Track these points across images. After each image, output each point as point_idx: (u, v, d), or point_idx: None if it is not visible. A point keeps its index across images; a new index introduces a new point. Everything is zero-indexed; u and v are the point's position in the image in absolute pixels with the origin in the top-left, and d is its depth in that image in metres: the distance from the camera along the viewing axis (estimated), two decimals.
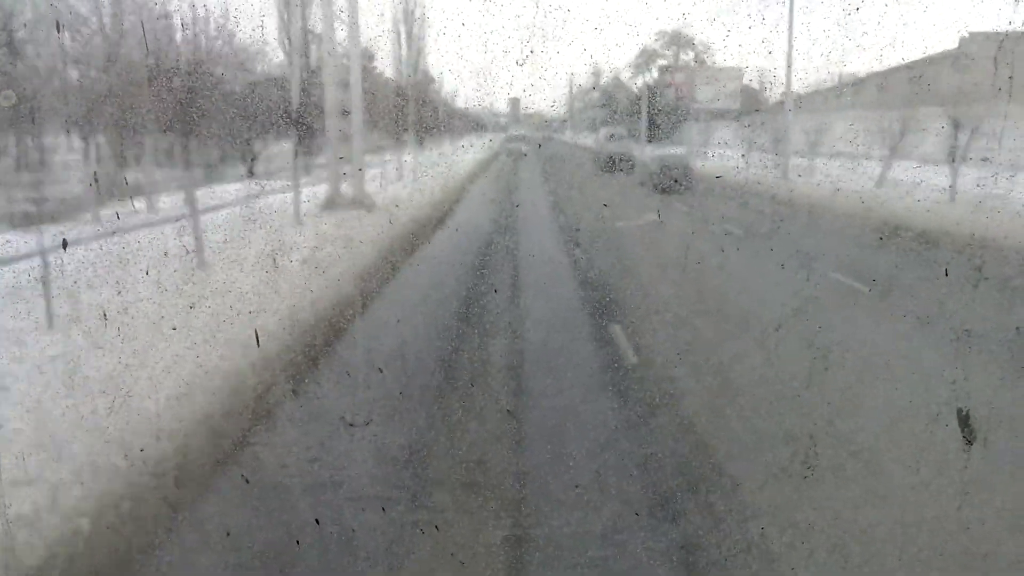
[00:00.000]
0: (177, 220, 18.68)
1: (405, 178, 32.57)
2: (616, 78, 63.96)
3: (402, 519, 5.99)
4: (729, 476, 7.33)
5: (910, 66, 38.27)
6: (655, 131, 51.31)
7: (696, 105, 52.59)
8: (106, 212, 18.67)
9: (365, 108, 27.11)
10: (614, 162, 41.45)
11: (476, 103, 61.32)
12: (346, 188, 25.56)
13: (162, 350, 12.40)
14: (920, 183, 25.27)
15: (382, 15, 44.66)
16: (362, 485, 6.35)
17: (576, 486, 6.65)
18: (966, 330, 9.96)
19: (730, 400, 9.01)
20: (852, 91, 43.43)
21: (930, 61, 35.27)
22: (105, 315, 9.73)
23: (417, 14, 38.55)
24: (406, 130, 35.57)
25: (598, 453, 7.60)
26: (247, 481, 6.29)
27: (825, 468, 7.18)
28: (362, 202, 25.52)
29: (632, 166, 39.01)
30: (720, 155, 39.92)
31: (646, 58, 62.19)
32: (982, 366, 9.28)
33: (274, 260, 15.73)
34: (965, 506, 6.22)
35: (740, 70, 52.50)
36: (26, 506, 5.89)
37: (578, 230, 23.60)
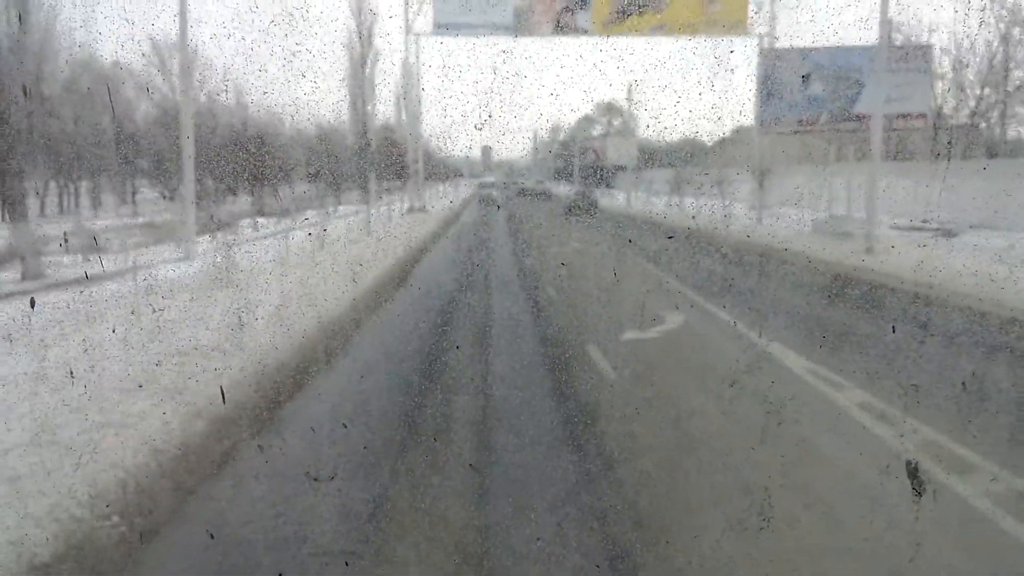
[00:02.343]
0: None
1: (428, 201, 45.28)
2: (569, 135, 70.48)
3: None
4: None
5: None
6: (582, 178, 64.16)
7: (606, 162, 65.20)
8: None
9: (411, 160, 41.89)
10: (548, 196, 61.57)
11: (455, 152, 63.46)
12: (412, 203, 42.30)
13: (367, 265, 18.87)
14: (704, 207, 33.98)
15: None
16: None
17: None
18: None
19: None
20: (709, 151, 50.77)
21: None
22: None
23: (415, 92, 41.80)
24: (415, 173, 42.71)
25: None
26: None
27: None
28: (423, 209, 41.60)
29: (560, 199, 55.93)
30: (613, 194, 57.21)
31: (587, 122, 68.74)
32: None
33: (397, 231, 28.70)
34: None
35: (635, 139, 61.29)
36: None
37: (520, 223, 42.41)
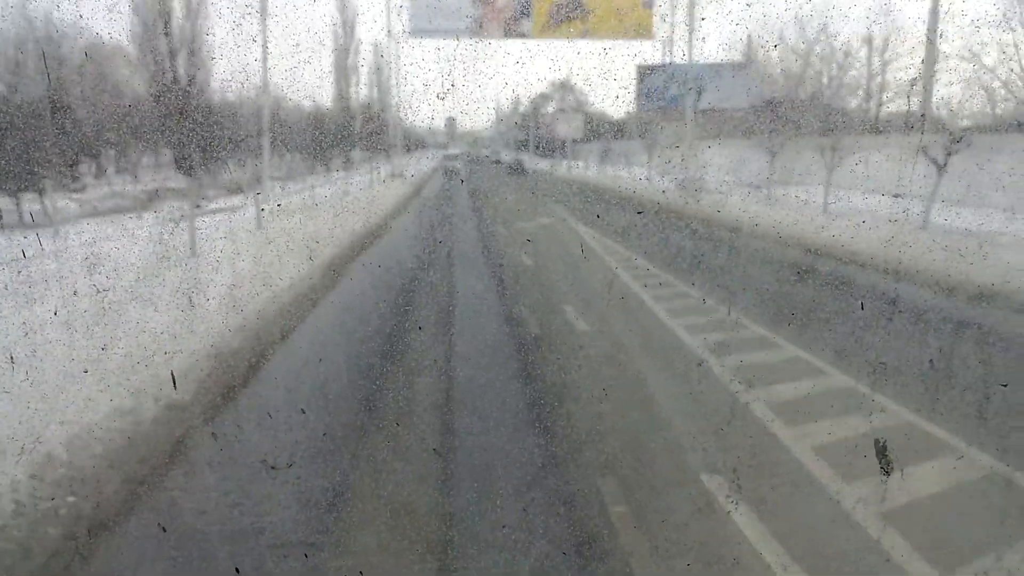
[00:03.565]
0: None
1: (405, 168, 40.64)
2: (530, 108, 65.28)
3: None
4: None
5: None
6: (537, 149, 58.98)
7: (556, 135, 56.49)
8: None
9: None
10: (499, 162, 58.16)
11: (419, 123, 58.62)
12: (393, 170, 37.51)
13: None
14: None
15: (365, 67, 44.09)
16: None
17: None
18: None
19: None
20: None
21: None
22: None
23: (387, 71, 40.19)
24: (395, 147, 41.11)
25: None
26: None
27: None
28: (401, 175, 37.02)
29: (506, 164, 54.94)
30: (557, 161, 51.92)
31: (542, 99, 63.96)
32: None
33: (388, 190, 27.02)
34: None
35: (583, 115, 54.08)
36: None
37: (474, 180, 42.20)
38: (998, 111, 22.82)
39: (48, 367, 4.91)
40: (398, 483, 4.07)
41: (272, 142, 23.39)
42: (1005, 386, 5.93)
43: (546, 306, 8.94)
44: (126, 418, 4.52)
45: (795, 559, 3.54)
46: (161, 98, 24.20)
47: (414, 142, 61.04)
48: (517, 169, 50.71)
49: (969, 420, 5.31)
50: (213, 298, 7.81)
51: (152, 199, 23.30)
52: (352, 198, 22.76)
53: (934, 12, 17.95)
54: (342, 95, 42.84)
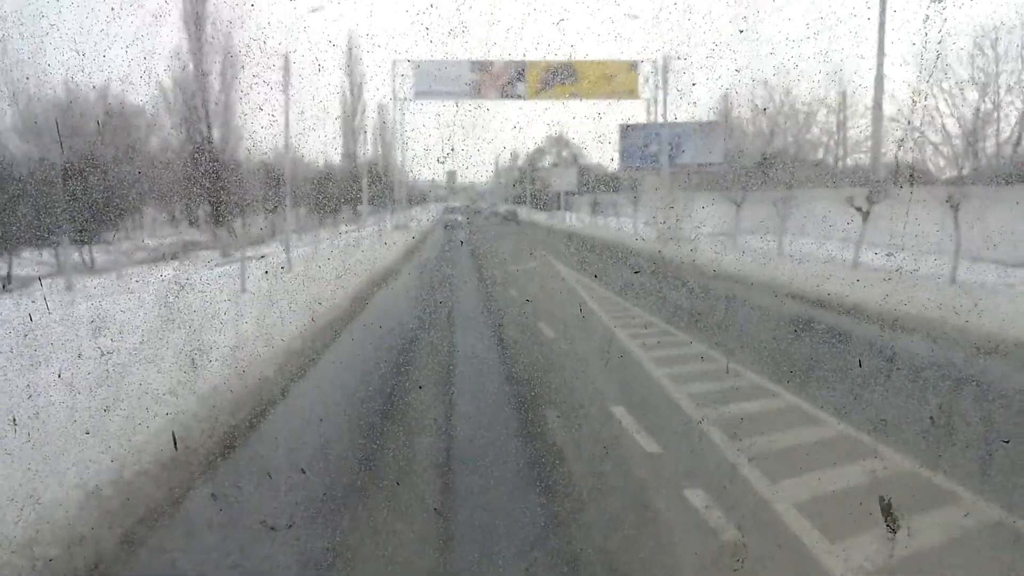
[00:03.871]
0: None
1: (409, 220, 42.44)
2: (527, 162, 64.26)
3: None
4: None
5: None
6: (533, 201, 59.98)
7: (551, 187, 55.40)
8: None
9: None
10: (496, 214, 58.51)
11: (422, 176, 58.33)
12: (397, 223, 38.05)
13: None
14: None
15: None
16: None
17: None
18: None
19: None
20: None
21: None
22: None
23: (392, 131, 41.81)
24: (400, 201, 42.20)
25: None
26: None
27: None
28: (406, 227, 37.71)
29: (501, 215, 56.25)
30: (551, 213, 52.47)
31: (539, 153, 63.44)
32: None
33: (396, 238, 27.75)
34: None
35: (576, 168, 53.99)
36: None
37: (473, 228, 43.16)
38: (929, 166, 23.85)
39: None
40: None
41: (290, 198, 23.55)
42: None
43: (523, 323, 11.10)
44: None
45: None
46: (197, 160, 24.36)
47: (417, 195, 61.21)
48: (511, 219, 53.59)
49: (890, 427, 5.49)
50: (267, 322, 8.76)
51: (182, 250, 23.35)
52: (366, 246, 23.33)
53: (879, 79, 18.53)
54: (349, 154, 43.06)
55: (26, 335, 6.75)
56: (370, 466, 4.76)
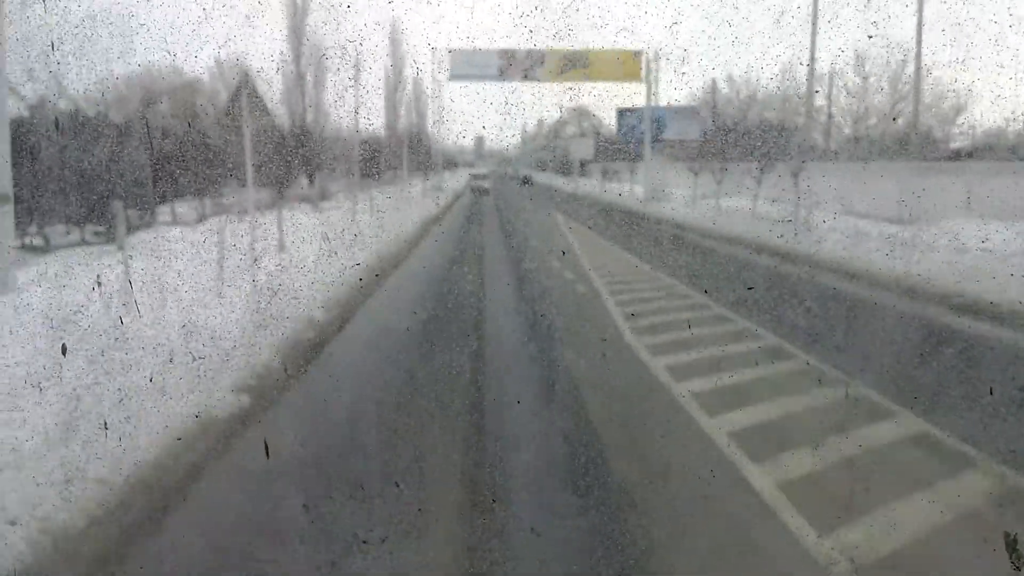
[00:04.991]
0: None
1: (442, 182, 48.60)
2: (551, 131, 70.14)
3: None
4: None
5: None
6: (555, 168, 65.73)
7: (571, 156, 62.45)
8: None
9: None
10: (519, 178, 66.83)
11: (450, 140, 64.47)
12: (435, 184, 44.55)
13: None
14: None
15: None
16: None
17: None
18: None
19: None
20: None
21: None
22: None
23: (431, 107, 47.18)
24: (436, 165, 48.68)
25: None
26: None
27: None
28: (440, 187, 44.07)
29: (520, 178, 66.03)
30: (571, 178, 58.35)
31: (561, 124, 69.04)
32: None
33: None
34: None
35: (593, 139, 60.15)
36: None
37: (497, 189, 48.73)
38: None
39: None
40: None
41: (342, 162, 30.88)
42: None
43: (523, 248, 18.42)
44: None
45: None
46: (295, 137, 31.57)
47: (448, 161, 67.45)
48: (527, 182, 63.93)
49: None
50: (382, 234, 16.08)
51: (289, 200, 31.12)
52: (415, 201, 30.87)
53: (810, 76, 25.50)
54: (391, 125, 50.41)
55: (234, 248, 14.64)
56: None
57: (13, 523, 3.69)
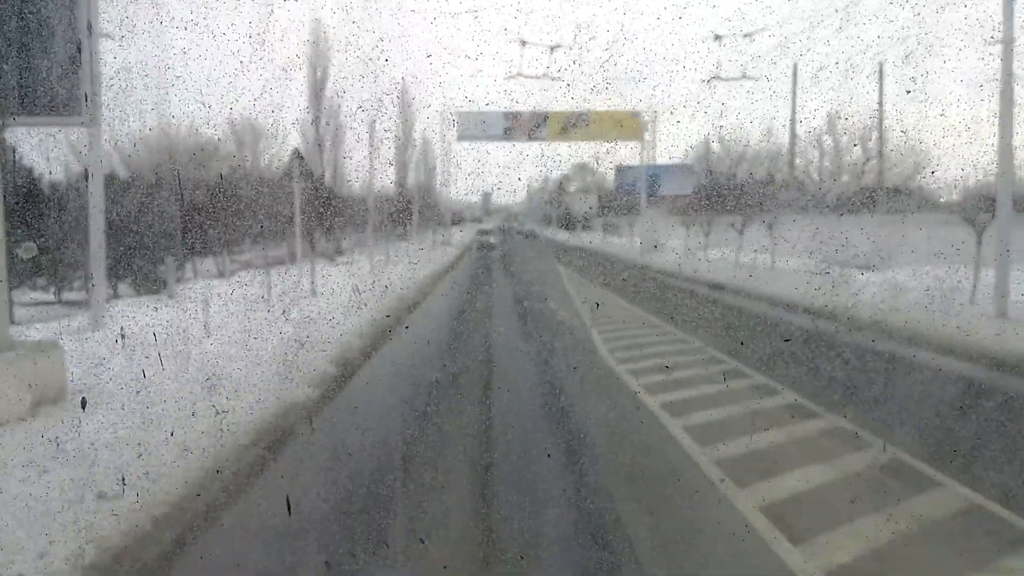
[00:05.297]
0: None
1: (450, 237, 50.99)
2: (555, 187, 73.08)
3: None
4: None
5: None
6: (558, 222, 68.76)
7: (574, 210, 65.15)
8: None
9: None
10: (524, 232, 69.57)
11: (457, 196, 67.25)
12: (442, 239, 46.73)
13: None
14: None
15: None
16: None
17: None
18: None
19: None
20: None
21: None
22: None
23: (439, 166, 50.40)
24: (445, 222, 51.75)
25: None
26: None
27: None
28: (448, 242, 46.78)
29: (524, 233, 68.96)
30: (574, 232, 62.95)
31: (566, 179, 71.87)
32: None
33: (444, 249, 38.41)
34: None
35: (596, 194, 62.81)
36: None
37: (503, 242, 49.19)
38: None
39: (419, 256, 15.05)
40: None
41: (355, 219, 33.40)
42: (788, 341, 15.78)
43: (526, 292, 20.58)
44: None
45: None
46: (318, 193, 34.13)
47: (456, 216, 69.99)
48: (531, 236, 66.71)
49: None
50: (398, 281, 18.55)
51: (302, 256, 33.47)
52: (424, 255, 33.27)
53: (792, 137, 28.22)
54: (401, 181, 53.16)
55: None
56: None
57: None
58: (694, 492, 5.35)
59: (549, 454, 6.19)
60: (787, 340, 12.27)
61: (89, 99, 8.26)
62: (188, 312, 12.19)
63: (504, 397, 8.38)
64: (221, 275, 24.39)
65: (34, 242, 10.58)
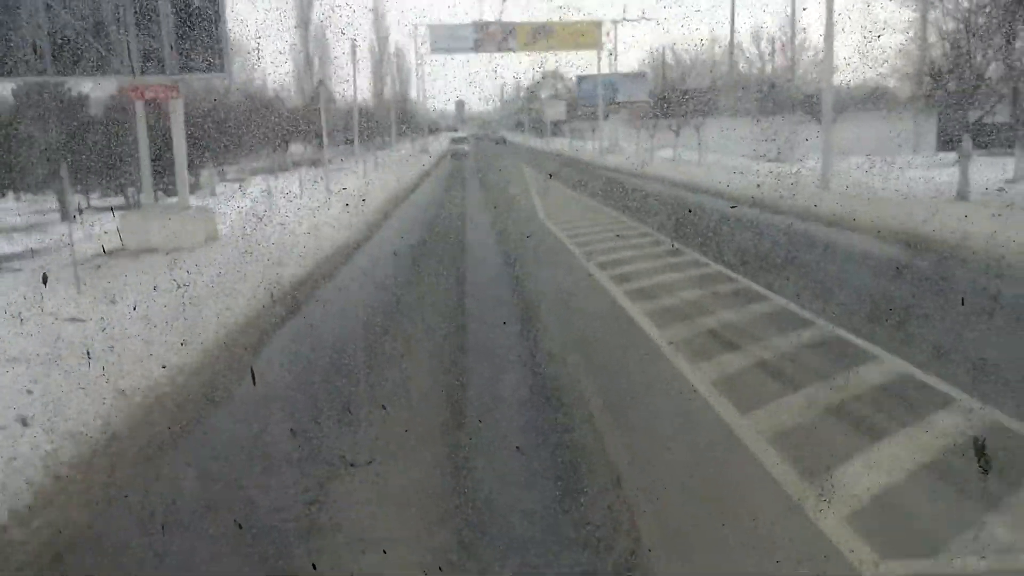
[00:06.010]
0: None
1: (427, 145, 53.86)
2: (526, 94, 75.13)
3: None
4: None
5: None
6: (531, 128, 70.86)
7: (545, 116, 67.77)
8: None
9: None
10: (495, 139, 72.67)
11: (434, 105, 69.65)
12: (417, 146, 49.93)
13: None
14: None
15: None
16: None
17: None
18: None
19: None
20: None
21: None
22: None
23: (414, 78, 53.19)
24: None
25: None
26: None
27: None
28: (426, 150, 49.26)
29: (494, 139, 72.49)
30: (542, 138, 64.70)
31: (537, 85, 72.98)
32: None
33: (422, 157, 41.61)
34: None
35: (564, 100, 65.50)
36: None
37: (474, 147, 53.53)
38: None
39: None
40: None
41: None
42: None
43: (490, 187, 25.38)
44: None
45: None
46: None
47: (432, 126, 68.92)
48: (500, 142, 70.59)
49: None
50: (392, 179, 23.25)
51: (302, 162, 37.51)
52: (408, 160, 37.82)
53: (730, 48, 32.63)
54: (378, 94, 56.04)
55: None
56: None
57: None
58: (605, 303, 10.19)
59: (511, 295, 9.92)
60: (690, 211, 17.22)
61: (227, 57, 12.16)
62: (249, 199, 17.24)
63: (473, 247, 13.50)
64: (239, 180, 28.86)
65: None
